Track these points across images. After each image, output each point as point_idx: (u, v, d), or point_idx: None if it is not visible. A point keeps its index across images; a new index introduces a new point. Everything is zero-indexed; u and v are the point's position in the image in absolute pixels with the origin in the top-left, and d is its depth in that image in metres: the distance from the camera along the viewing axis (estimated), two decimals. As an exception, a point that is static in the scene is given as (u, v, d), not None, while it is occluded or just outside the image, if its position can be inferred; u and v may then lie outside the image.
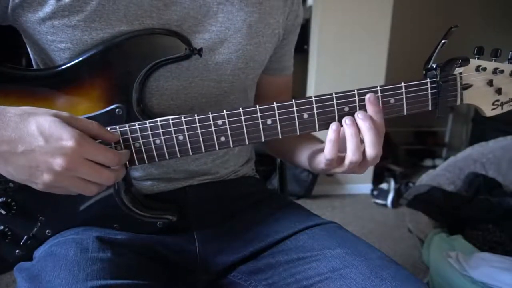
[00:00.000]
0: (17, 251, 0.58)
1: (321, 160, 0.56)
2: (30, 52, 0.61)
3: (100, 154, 0.46)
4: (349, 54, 2.28)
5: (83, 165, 0.45)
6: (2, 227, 0.57)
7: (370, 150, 0.52)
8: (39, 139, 0.43)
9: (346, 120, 0.52)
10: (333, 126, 0.52)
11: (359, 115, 0.52)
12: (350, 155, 0.52)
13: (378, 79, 2.30)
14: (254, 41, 0.61)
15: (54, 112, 0.46)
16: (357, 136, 0.51)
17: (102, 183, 0.48)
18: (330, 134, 0.52)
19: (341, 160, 0.54)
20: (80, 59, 0.53)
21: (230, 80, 0.62)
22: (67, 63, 0.53)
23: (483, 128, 2.84)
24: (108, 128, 0.52)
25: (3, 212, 0.56)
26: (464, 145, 3.17)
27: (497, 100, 0.56)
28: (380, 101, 0.53)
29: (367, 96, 0.52)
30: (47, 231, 0.58)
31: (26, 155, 0.44)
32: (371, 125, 0.51)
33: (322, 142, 0.67)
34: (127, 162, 0.54)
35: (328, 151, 0.52)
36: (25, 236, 0.57)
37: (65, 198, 0.50)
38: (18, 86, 0.53)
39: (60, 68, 0.54)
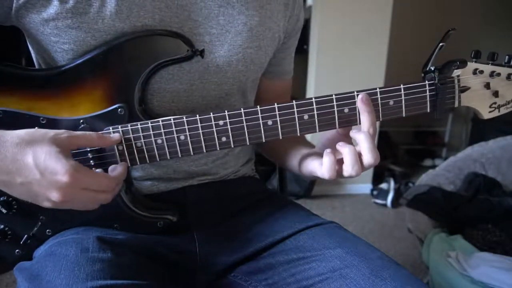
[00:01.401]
0: (17, 250, 0.58)
1: (314, 169, 0.57)
2: (32, 52, 0.61)
3: (94, 183, 0.47)
4: (349, 54, 2.28)
5: (79, 195, 0.46)
6: (2, 226, 0.57)
7: (368, 157, 0.52)
8: (35, 172, 0.44)
9: (340, 144, 0.53)
10: (327, 151, 0.53)
11: (353, 129, 0.53)
12: (350, 170, 0.52)
13: (377, 79, 2.30)
14: (254, 44, 0.62)
15: (52, 137, 0.46)
16: (354, 154, 0.52)
17: (101, 203, 0.50)
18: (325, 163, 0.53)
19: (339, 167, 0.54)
20: (83, 59, 0.53)
21: (230, 83, 0.62)
22: (71, 63, 0.54)
23: (482, 128, 2.84)
24: (111, 128, 0.53)
25: (4, 211, 0.56)
26: (463, 145, 3.17)
27: (494, 103, 0.57)
28: (380, 103, 0.54)
29: (359, 97, 0.53)
30: (47, 230, 0.58)
31: (25, 186, 0.45)
32: (371, 163, 0.52)
33: (311, 145, 0.67)
34: (128, 162, 0.54)
35: (327, 172, 0.53)
36: (25, 236, 0.58)
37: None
38: (22, 85, 0.54)
39: (63, 68, 0.54)
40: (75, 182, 0.45)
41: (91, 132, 0.51)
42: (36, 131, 0.46)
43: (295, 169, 0.66)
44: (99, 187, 0.48)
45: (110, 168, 0.52)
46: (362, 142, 0.52)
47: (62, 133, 0.47)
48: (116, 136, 0.52)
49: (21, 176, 0.44)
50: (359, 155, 0.52)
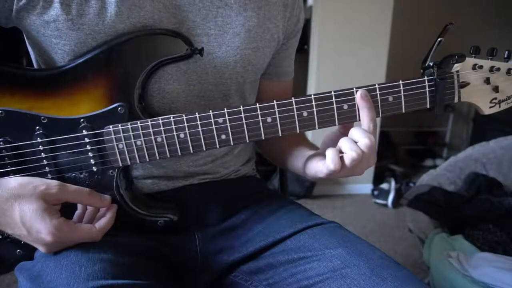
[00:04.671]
0: (18, 250, 0.58)
1: (318, 170, 0.56)
2: (32, 53, 0.61)
3: (79, 238, 0.51)
4: (349, 54, 2.29)
5: (66, 245, 0.51)
6: (3, 226, 0.57)
7: (370, 126, 0.53)
8: (22, 229, 0.48)
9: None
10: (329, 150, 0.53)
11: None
12: (349, 153, 0.51)
13: (378, 79, 2.30)
14: (252, 46, 0.62)
15: (41, 192, 0.48)
16: (350, 140, 0.52)
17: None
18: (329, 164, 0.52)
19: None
20: (84, 59, 0.53)
21: (228, 84, 0.62)
22: (71, 63, 0.54)
23: (483, 128, 2.85)
24: (111, 127, 0.53)
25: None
26: (464, 145, 3.17)
27: (495, 98, 0.57)
28: (379, 99, 0.54)
29: (358, 93, 0.53)
30: (48, 230, 0.58)
31: (16, 236, 0.50)
32: (368, 143, 0.51)
33: (314, 147, 0.67)
34: (128, 160, 0.54)
35: (331, 164, 0.52)
36: (26, 236, 0.58)
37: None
38: (23, 85, 0.54)
39: (64, 68, 0.54)
40: (58, 240, 0.49)
41: (82, 188, 0.52)
42: (28, 183, 0.49)
43: (299, 170, 0.65)
44: (84, 240, 0.51)
45: (98, 215, 0.55)
46: (364, 151, 0.51)
47: (52, 187, 0.49)
48: (107, 198, 0.55)
49: (11, 229, 0.49)
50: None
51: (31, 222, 0.47)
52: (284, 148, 0.71)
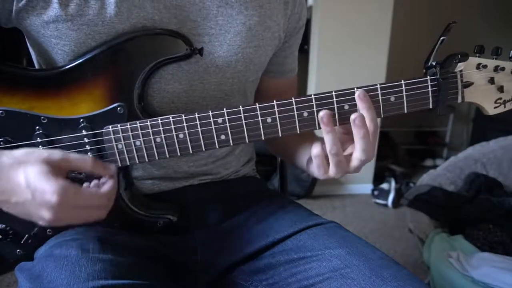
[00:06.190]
0: (18, 250, 0.58)
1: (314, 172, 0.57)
2: (32, 53, 0.61)
3: (85, 201, 0.48)
4: (350, 54, 2.28)
5: (71, 213, 0.47)
6: (3, 226, 0.57)
7: (362, 155, 0.52)
8: (27, 192, 0.45)
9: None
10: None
11: (355, 121, 0.51)
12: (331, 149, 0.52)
13: (379, 79, 2.30)
14: (253, 44, 0.61)
15: (45, 157, 0.47)
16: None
17: (94, 219, 0.50)
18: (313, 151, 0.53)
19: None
20: (84, 59, 0.53)
21: (230, 83, 0.62)
22: (71, 63, 0.54)
23: (484, 128, 2.84)
24: (110, 127, 0.53)
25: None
26: (464, 145, 3.16)
27: (500, 98, 0.56)
28: (380, 99, 0.53)
29: (357, 93, 0.52)
30: (48, 230, 0.58)
31: (19, 205, 0.46)
32: (365, 133, 0.51)
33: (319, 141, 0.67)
34: (127, 161, 0.54)
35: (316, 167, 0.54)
36: (26, 235, 0.57)
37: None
38: (23, 85, 0.54)
39: (64, 68, 0.54)
40: (64, 201, 0.45)
41: (86, 156, 0.51)
42: (32, 152, 0.47)
43: (303, 167, 0.65)
44: (90, 205, 0.49)
45: (100, 182, 0.53)
46: (359, 141, 0.52)
47: (56, 153, 0.48)
48: (111, 166, 0.52)
49: (15, 195, 0.46)
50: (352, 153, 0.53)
51: (36, 183, 0.45)
52: (289, 142, 0.70)
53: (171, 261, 0.61)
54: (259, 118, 0.53)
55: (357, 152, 0.52)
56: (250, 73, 0.64)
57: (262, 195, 0.74)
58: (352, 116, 0.51)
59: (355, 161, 0.53)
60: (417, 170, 2.97)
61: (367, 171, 2.55)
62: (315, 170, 0.56)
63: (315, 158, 0.54)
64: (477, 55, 0.54)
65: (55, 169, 0.46)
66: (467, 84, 0.55)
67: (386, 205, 2.42)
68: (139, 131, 0.53)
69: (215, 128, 0.53)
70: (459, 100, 0.55)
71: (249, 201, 0.70)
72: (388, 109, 0.54)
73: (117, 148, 0.53)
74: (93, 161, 0.50)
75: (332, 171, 0.54)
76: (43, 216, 0.46)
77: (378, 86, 0.53)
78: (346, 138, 0.56)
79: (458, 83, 0.55)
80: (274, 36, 0.65)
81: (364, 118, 0.51)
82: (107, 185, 0.51)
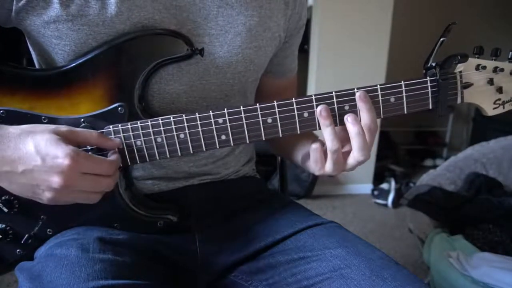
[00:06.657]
0: (18, 250, 0.58)
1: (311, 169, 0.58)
2: (32, 53, 0.61)
3: (95, 166, 0.48)
4: (350, 54, 2.28)
5: (81, 180, 0.47)
6: (3, 226, 0.57)
7: (358, 154, 0.53)
8: (36, 158, 0.45)
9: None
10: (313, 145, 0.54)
11: (348, 119, 0.52)
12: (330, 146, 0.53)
13: (378, 79, 2.30)
14: (253, 45, 0.61)
15: (53, 129, 0.47)
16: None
17: (103, 191, 0.50)
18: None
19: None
20: (84, 59, 0.53)
21: (230, 84, 0.62)
22: (72, 63, 0.54)
23: (483, 128, 2.84)
24: (111, 127, 0.53)
25: (5, 210, 0.56)
26: (464, 145, 3.17)
27: (499, 99, 0.56)
28: (380, 100, 0.53)
29: (357, 94, 0.53)
30: (48, 230, 0.58)
31: (26, 174, 0.46)
32: (359, 130, 0.52)
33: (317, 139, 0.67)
34: (128, 160, 0.54)
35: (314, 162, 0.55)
36: (26, 235, 0.57)
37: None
38: (24, 85, 0.54)
39: (64, 68, 0.54)
40: (76, 165, 0.45)
41: (91, 130, 0.52)
42: (38, 125, 0.48)
43: (298, 162, 0.66)
44: (100, 170, 0.48)
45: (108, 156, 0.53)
46: (354, 138, 0.52)
47: (62, 127, 0.49)
48: (117, 139, 0.53)
49: (23, 163, 0.45)
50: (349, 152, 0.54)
51: (47, 148, 0.45)
52: (288, 140, 0.70)
53: (171, 261, 0.61)
54: (260, 119, 0.53)
55: (353, 151, 0.53)
56: (250, 73, 0.64)
57: (262, 195, 0.74)
58: (345, 115, 0.52)
59: (351, 159, 0.54)
60: (417, 170, 2.97)
61: (367, 171, 2.56)
62: (312, 164, 0.56)
63: (313, 152, 0.55)
64: (477, 56, 0.55)
65: (64, 138, 0.47)
66: (467, 85, 0.55)
67: (386, 205, 2.42)
68: (140, 131, 0.53)
69: (215, 128, 0.53)
70: (459, 101, 0.56)
71: (249, 201, 0.70)
72: (388, 109, 0.54)
73: (118, 148, 0.53)
74: (99, 134, 0.51)
75: (328, 167, 0.54)
76: (52, 182, 0.45)
77: (378, 86, 0.53)
78: (345, 137, 0.56)
79: (457, 84, 0.55)
80: (274, 37, 0.65)
81: (356, 116, 0.52)
82: (114, 155, 0.52)
